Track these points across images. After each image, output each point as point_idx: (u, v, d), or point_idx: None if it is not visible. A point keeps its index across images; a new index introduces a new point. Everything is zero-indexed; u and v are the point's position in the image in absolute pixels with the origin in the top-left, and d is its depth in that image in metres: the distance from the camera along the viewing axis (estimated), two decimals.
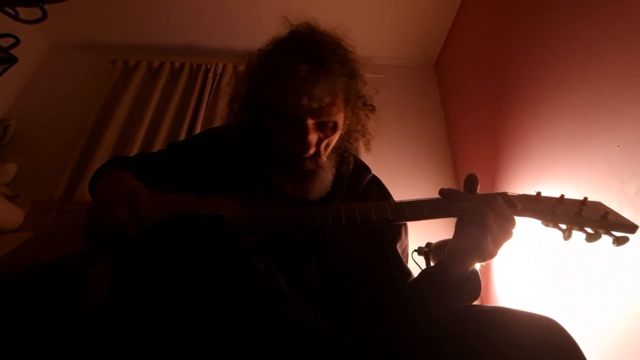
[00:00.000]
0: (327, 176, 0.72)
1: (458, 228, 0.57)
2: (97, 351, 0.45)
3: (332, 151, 0.74)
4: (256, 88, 0.71)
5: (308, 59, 0.64)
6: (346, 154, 0.78)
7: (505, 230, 0.54)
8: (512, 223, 0.54)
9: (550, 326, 0.43)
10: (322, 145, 0.70)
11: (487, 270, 1.45)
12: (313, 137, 0.66)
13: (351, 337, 0.41)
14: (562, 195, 0.58)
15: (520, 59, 1.35)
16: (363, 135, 0.80)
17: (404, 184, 1.79)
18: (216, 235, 0.43)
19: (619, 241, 0.52)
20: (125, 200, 0.58)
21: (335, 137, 0.71)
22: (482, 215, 0.53)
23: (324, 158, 0.71)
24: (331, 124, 0.68)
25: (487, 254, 0.53)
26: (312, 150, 0.67)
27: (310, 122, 0.65)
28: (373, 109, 0.77)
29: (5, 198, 1.68)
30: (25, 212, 1.66)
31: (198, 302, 0.37)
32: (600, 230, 0.54)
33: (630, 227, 0.53)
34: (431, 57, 2.26)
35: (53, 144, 1.93)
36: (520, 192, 0.62)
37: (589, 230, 0.55)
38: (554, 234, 0.58)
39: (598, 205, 0.58)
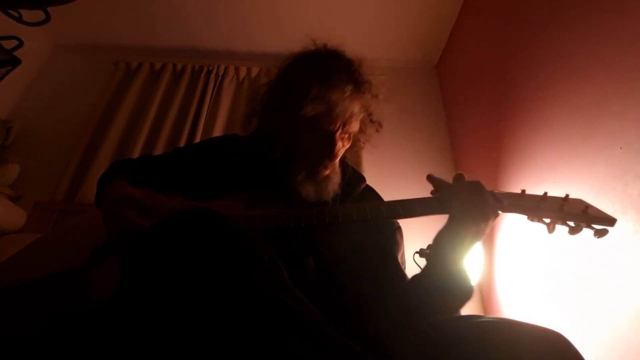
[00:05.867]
0: (337, 179, 0.80)
1: (448, 219, 0.64)
2: (107, 339, 0.46)
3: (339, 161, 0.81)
4: (287, 99, 0.75)
5: (350, 80, 0.71)
6: (347, 160, 0.86)
7: (481, 211, 0.60)
8: (487, 204, 0.61)
9: (556, 341, 0.41)
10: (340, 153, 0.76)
11: (488, 270, 1.45)
12: (339, 148, 0.74)
13: (352, 337, 0.41)
14: (546, 193, 0.63)
15: (522, 61, 1.35)
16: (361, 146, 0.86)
17: (404, 186, 1.79)
18: (221, 228, 0.44)
19: (600, 233, 0.56)
20: (123, 205, 0.65)
21: (347, 146, 0.78)
22: (461, 201, 0.61)
23: (337, 163, 0.78)
24: (349, 134, 0.76)
25: (468, 235, 0.60)
26: (338, 158, 0.75)
27: (339, 134, 0.73)
28: (380, 126, 0.84)
29: (8, 199, 1.69)
30: (28, 213, 1.67)
31: (203, 294, 0.37)
32: (582, 224, 0.58)
33: (609, 221, 0.56)
34: (433, 58, 2.26)
35: (55, 145, 1.93)
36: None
37: (570, 223, 0.59)
38: (553, 235, 0.61)
39: (579, 201, 0.62)
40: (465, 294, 0.60)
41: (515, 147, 1.34)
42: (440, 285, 0.60)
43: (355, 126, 0.75)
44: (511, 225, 1.32)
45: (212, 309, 0.36)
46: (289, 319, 0.37)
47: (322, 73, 0.72)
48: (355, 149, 0.84)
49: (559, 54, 1.14)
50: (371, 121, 0.82)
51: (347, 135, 0.75)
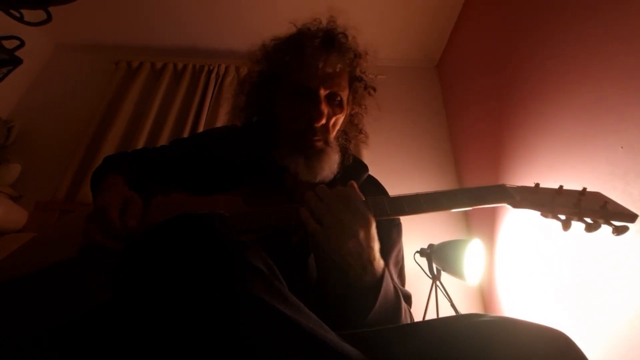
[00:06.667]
0: (334, 157, 0.75)
1: None
2: (100, 349, 0.45)
3: (336, 138, 0.77)
4: (271, 67, 0.78)
5: (320, 35, 0.74)
6: (347, 146, 0.82)
7: (350, 230, 0.54)
8: (358, 219, 0.54)
9: (558, 340, 0.40)
10: (331, 122, 0.74)
11: (489, 270, 1.45)
12: (325, 108, 0.71)
13: (351, 340, 0.41)
14: (561, 186, 0.58)
15: (523, 60, 1.35)
16: (360, 132, 0.84)
17: (405, 185, 1.78)
18: (217, 237, 0.43)
19: (619, 230, 0.51)
20: (93, 218, 0.61)
21: (342, 117, 0.76)
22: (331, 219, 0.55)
23: (332, 137, 0.75)
24: (338, 99, 0.74)
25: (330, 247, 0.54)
26: (324, 120, 0.71)
27: (322, 92, 0.71)
28: (374, 89, 0.83)
29: (9, 199, 1.69)
30: (29, 213, 1.67)
31: (196, 305, 0.37)
32: (600, 220, 0.53)
33: (630, 217, 0.52)
34: (433, 58, 2.26)
35: (56, 144, 1.94)
36: None
37: (588, 220, 0.54)
38: (555, 234, 0.57)
39: (597, 195, 0.57)
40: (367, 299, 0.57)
41: (515, 147, 1.33)
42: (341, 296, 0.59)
43: (342, 86, 0.73)
44: (512, 223, 1.32)
45: (206, 319, 0.35)
46: (283, 327, 0.37)
47: (294, 37, 0.77)
48: (349, 135, 0.81)
49: (559, 53, 1.14)
50: (365, 88, 0.80)
51: (337, 99, 0.73)
